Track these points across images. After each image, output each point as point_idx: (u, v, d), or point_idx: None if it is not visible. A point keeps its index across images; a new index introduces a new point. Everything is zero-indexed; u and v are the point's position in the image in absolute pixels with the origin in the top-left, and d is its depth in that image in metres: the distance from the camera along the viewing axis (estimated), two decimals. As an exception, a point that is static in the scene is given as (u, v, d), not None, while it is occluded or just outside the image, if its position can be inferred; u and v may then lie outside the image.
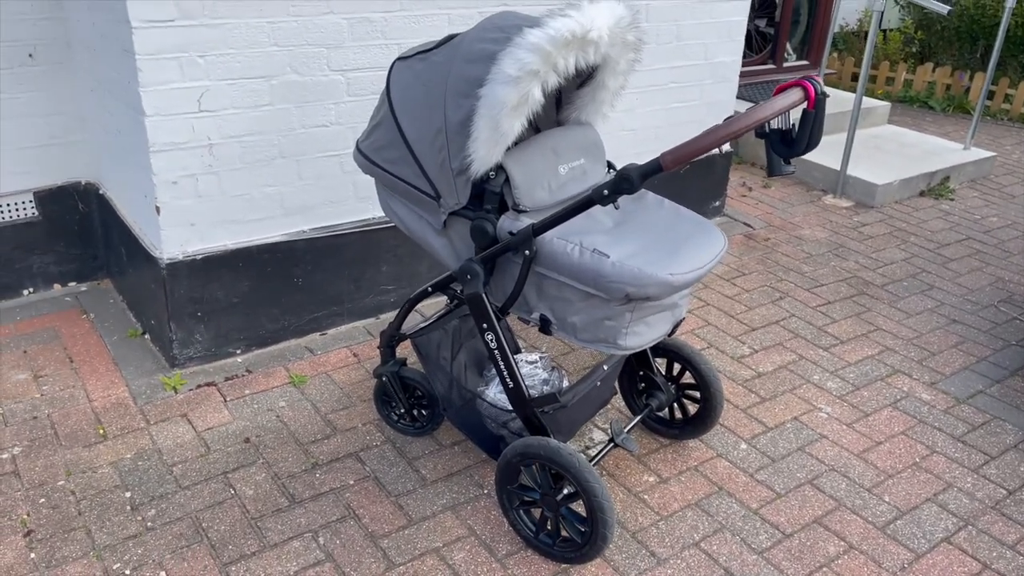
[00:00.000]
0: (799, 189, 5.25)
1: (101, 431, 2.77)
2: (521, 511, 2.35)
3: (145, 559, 2.27)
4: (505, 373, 2.24)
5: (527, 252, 2.10)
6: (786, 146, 1.91)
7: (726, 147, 4.53)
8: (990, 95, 7.27)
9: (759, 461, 2.75)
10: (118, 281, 3.60)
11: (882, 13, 4.72)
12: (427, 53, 2.23)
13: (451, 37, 2.22)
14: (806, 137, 1.89)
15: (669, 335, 2.30)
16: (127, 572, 2.23)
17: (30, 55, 3.29)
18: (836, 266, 4.19)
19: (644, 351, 2.66)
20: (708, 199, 4.60)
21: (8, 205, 3.46)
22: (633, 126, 4.07)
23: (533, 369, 2.57)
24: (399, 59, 2.31)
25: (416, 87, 2.20)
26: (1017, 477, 2.73)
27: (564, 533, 2.28)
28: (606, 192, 1.93)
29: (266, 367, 3.15)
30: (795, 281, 4.00)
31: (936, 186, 5.33)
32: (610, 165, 2.48)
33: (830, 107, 5.97)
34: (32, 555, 2.27)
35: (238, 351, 3.21)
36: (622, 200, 2.36)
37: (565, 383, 2.58)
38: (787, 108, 1.83)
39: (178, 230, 2.93)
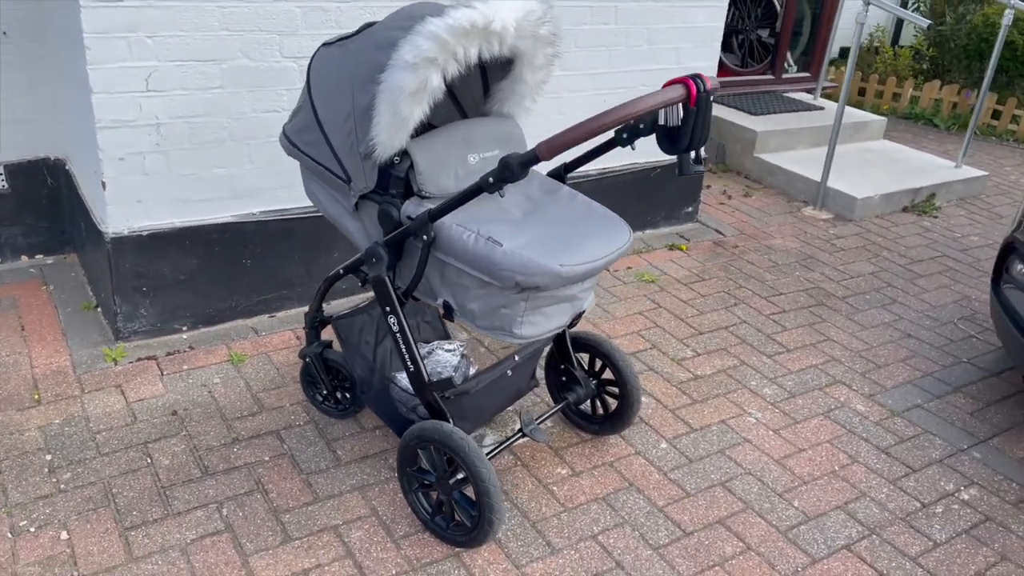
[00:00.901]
0: (780, 200, 5.22)
1: (36, 396, 2.85)
2: (420, 493, 2.38)
3: (51, 519, 2.34)
4: (406, 356, 2.28)
5: (424, 237, 2.13)
6: (671, 143, 1.93)
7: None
8: (995, 115, 7.18)
9: (676, 460, 2.76)
10: (81, 255, 3.70)
11: (863, 25, 4.69)
12: (346, 40, 2.28)
13: (369, 24, 2.27)
14: (688, 134, 1.91)
15: (569, 327, 2.33)
16: (31, 529, 2.30)
17: (4, 33, 3.39)
18: (800, 276, 4.18)
19: (564, 344, 2.68)
20: (680, 204, 4.60)
21: (-23, 176, 3.58)
22: (601, 127, 4.09)
23: (450, 356, 2.60)
24: (323, 45, 2.35)
25: (331, 72, 2.25)
26: (935, 491, 2.71)
27: (457, 517, 2.31)
28: (491, 180, 1.96)
29: (209, 344, 3.21)
30: (754, 289, 3.99)
31: (921, 203, 5.28)
32: (531, 158, 2.51)
33: (824, 119, 5.93)
34: (-55, 509, 2.35)
35: (184, 328, 3.28)
36: (537, 192, 2.40)
37: (472, 371, 2.61)
38: (665, 103, 1.85)
39: (124, 206, 3.00)
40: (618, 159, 4.21)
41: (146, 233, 3.07)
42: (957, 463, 2.85)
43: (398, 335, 2.27)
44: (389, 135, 2.09)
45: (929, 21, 4.95)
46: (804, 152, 5.64)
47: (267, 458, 2.64)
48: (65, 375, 2.97)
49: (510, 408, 2.89)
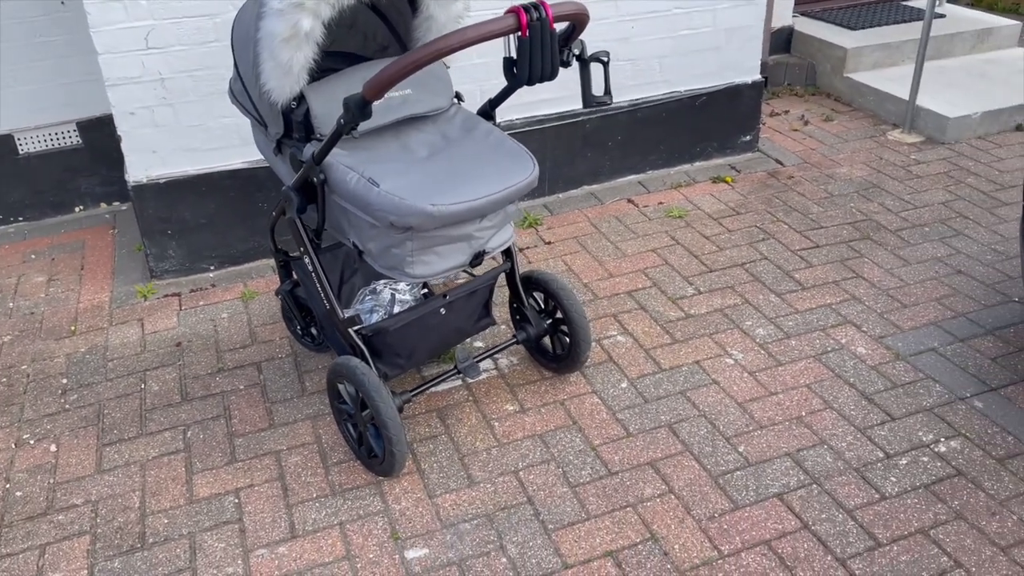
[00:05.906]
0: (866, 124, 4.76)
1: (73, 328, 3.25)
2: (347, 424, 2.51)
3: (48, 434, 2.70)
4: (321, 295, 2.39)
5: (315, 180, 2.21)
6: (511, 75, 1.86)
7: (755, 76, 4.21)
8: None
9: (630, 400, 2.70)
10: (142, 202, 4.09)
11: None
12: (261, -10, 2.36)
13: (279, -28, 2.33)
14: (526, 66, 1.83)
15: (471, 265, 2.33)
16: (31, 442, 2.67)
17: (62, 2, 3.77)
18: (853, 208, 3.83)
19: (514, 282, 2.68)
20: (734, 133, 4.32)
21: (55, 134, 4.03)
22: (632, 56, 3.92)
23: (387, 295, 2.68)
24: (248, -3, 2.45)
25: (242, 24, 2.34)
26: (907, 442, 2.47)
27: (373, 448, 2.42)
28: (342, 122, 1.99)
29: (229, 283, 3.49)
30: (791, 223, 3.72)
31: (1040, 120, 4.62)
32: (459, 96, 2.50)
33: (943, 28, 5.27)
34: (-27, 421, 2.78)
35: (211, 267, 3.57)
36: (455, 131, 2.40)
37: (396, 310, 2.67)
38: (492, 34, 1.78)
39: (141, 155, 3.30)
40: (651, 89, 4.02)
41: (163, 181, 3.36)
42: (949, 412, 2.58)
43: (312, 274, 2.38)
44: (278, 81, 2.16)
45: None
46: (906, 69, 5.07)
47: (242, 387, 2.87)
48: (101, 309, 3.36)
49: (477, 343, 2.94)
